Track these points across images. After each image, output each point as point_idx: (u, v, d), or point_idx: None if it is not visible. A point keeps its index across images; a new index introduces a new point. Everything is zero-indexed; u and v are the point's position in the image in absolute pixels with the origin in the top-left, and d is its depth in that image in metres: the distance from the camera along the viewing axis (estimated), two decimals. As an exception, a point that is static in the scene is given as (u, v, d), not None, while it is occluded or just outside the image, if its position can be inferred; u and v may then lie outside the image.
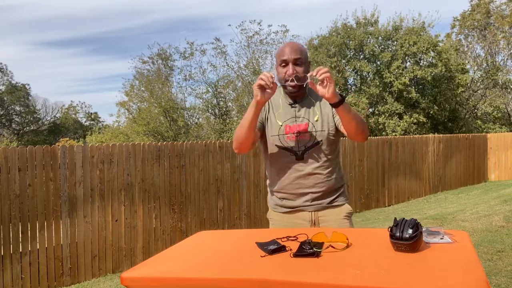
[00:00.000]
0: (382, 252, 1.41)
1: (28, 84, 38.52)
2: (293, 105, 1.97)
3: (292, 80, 1.86)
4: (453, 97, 16.20)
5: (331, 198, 1.98)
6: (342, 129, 1.92)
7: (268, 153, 2.03)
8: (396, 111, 14.66)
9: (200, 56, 19.20)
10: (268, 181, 2.12)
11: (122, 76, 56.11)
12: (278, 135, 1.95)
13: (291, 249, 1.49)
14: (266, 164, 2.10)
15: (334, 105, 1.74)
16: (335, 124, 1.96)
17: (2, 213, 4.27)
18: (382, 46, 15.65)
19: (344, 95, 1.78)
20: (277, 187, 2.01)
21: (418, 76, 14.81)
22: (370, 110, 15.00)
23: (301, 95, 1.98)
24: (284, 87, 1.94)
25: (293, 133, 1.94)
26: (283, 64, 1.91)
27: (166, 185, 5.58)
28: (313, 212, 1.96)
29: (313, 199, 1.95)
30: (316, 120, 1.94)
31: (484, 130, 15.96)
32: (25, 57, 56.52)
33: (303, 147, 1.93)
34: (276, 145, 1.97)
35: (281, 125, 1.96)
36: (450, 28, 20.84)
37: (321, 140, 1.94)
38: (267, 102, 1.93)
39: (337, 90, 1.73)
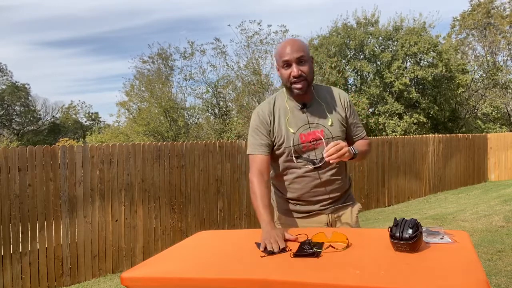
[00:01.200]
0: (382, 252, 1.41)
1: (28, 84, 38.57)
2: (303, 110, 1.87)
3: (297, 82, 1.77)
4: (453, 97, 16.20)
5: (344, 198, 1.99)
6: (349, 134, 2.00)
7: (279, 162, 1.92)
8: (396, 111, 14.66)
9: (200, 56, 19.24)
10: (273, 185, 2.04)
11: (122, 76, 56.09)
12: (293, 145, 1.84)
13: (291, 249, 1.48)
14: (274, 171, 1.97)
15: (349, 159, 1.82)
16: (345, 129, 1.94)
17: (2, 213, 4.27)
18: (383, 46, 15.65)
19: (356, 151, 1.81)
20: (291, 195, 1.94)
21: (418, 76, 14.81)
22: (370, 110, 15.00)
23: (309, 97, 1.88)
24: (291, 89, 1.83)
25: (310, 142, 1.85)
26: (286, 65, 1.79)
27: (166, 185, 5.58)
28: (330, 214, 1.94)
29: (329, 203, 1.94)
30: (331, 125, 1.87)
31: (484, 130, 15.96)
32: (25, 57, 56.55)
33: (321, 155, 1.85)
34: (292, 156, 1.86)
35: (294, 133, 1.85)
36: (450, 28, 20.86)
37: None
38: (270, 112, 1.89)
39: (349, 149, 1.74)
